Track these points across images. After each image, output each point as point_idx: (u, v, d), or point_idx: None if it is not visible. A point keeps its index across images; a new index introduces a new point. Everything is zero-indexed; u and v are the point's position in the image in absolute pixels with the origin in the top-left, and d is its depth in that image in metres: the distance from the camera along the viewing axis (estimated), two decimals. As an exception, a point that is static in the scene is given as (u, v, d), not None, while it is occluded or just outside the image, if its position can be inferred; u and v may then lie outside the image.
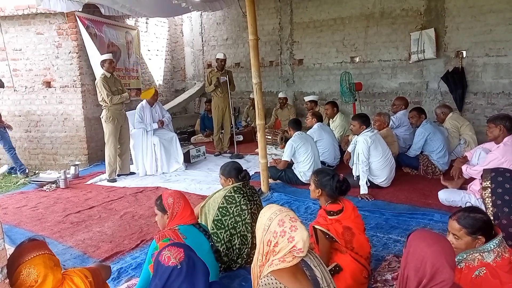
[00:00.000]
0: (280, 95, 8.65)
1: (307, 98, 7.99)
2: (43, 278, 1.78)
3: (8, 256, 1.78)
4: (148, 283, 2.51)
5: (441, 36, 7.43)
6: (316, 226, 2.77)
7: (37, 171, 6.96)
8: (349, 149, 5.75)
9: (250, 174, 5.79)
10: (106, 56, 6.10)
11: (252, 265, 2.16)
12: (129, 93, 6.19)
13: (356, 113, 7.14)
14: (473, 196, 4.01)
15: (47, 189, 5.71)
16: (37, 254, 1.83)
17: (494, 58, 7.01)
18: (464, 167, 4.40)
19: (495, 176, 3.37)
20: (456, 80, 7.29)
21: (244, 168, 3.52)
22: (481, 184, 3.49)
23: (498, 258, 2.05)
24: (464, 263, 2.11)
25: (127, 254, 3.62)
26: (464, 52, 7.30)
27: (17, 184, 6.19)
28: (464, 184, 4.61)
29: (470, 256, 2.11)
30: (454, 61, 7.40)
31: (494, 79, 7.06)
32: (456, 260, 2.13)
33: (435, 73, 7.61)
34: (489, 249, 2.08)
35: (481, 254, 2.08)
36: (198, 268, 1.87)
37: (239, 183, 3.37)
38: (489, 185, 3.33)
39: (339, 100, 8.10)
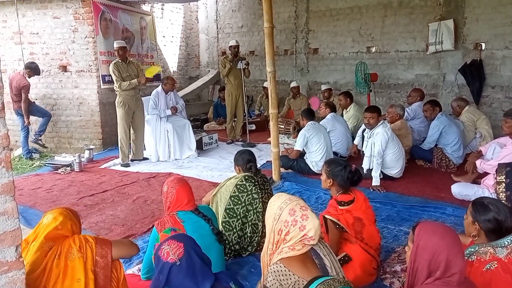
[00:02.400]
0: (293, 84, 8.59)
1: (323, 87, 7.98)
2: (54, 220, 2.10)
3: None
4: (151, 265, 2.56)
5: (460, 27, 7.28)
6: (327, 216, 2.78)
7: (52, 154, 7.07)
8: (356, 141, 5.71)
9: (262, 163, 5.88)
10: (119, 44, 6.12)
11: (262, 253, 2.18)
12: (141, 79, 6.10)
13: (370, 104, 7.07)
14: (486, 191, 3.97)
15: (62, 172, 5.80)
16: (62, 208, 2.22)
17: (514, 51, 6.85)
18: (478, 162, 4.35)
19: (510, 170, 3.33)
20: (474, 73, 7.15)
21: (254, 159, 3.51)
22: (495, 178, 3.45)
23: (511, 255, 2.03)
24: (475, 256, 2.09)
25: (139, 237, 3.68)
26: (483, 44, 7.14)
27: (33, 166, 6.30)
28: (477, 178, 4.56)
29: (482, 249, 2.09)
30: (472, 53, 7.25)
31: (513, 72, 6.91)
32: (467, 252, 2.12)
33: (452, 65, 7.48)
34: (503, 245, 2.06)
35: (494, 248, 2.06)
36: (197, 264, 1.83)
37: (250, 172, 3.38)
38: (504, 180, 3.29)
39: (353, 90, 8.02)
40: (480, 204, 2.22)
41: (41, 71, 6.87)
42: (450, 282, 1.65)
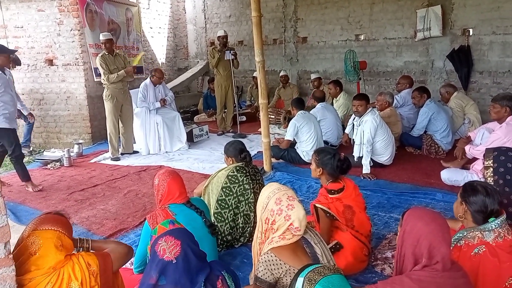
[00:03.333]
0: (281, 73, 8.57)
1: (313, 76, 7.99)
2: (42, 251, 1.78)
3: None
4: (143, 259, 2.56)
5: (447, 13, 7.29)
6: (317, 205, 2.80)
7: (41, 150, 6.99)
8: (347, 130, 5.73)
9: (253, 154, 5.88)
10: (105, 36, 6.04)
11: (253, 243, 2.19)
12: (128, 69, 6.03)
13: (360, 92, 7.08)
14: (475, 176, 4.01)
15: (51, 167, 5.75)
16: (51, 228, 1.84)
17: (501, 36, 6.89)
18: (467, 147, 4.39)
19: (498, 155, 3.35)
20: (462, 59, 7.19)
21: (246, 149, 3.51)
22: (483, 163, 3.48)
23: (499, 238, 2.05)
24: (463, 241, 2.12)
25: (130, 231, 3.68)
26: (471, 30, 7.17)
27: (22, 162, 6.23)
28: (466, 164, 4.61)
29: (471, 234, 2.12)
30: (460, 39, 7.28)
31: (500, 57, 6.95)
32: (456, 237, 2.14)
33: (440, 52, 7.51)
34: (490, 228, 2.08)
35: (482, 232, 2.09)
36: (193, 261, 1.80)
37: (241, 163, 3.38)
38: (491, 165, 3.32)
39: (343, 79, 8.03)
40: (469, 186, 2.25)
41: (27, 65, 6.76)
42: (436, 269, 1.67)
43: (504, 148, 3.50)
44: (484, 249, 2.02)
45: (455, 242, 2.13)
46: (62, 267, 1.82)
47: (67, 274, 1.81)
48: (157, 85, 6.49)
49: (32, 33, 6.96)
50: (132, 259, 2.77)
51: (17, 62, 6.57)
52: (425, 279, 1.66)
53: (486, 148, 3.64)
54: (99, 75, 6.78)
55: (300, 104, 5.59)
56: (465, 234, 2.13)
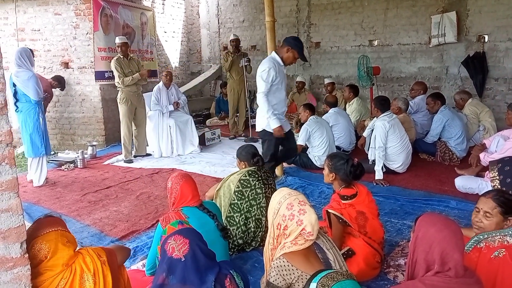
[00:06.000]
0: (298, 79, 8.56)
1: (326, 81, 7.99)
2: (52, 254, 1.80)
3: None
4: (155, 264, 2.57)
5: (462, 19, 7.23)
6: (329, 210, 2.78)
7: (55, 151, 7.08)
8: (365, 134, 5.69)
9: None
10: (121, 39, 6.11)
11: (264, 248, 2.18)
12: (143, 73, 6.12)
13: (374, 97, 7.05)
14: (490, 184, 3.96)
15: (65, 168, 5.82)
16: (51, 230, 1.85)
17: (517, 43, 6.81)
18: (482, 155, 4.34)
19: (502, 166, 3.31)
20: (477, 65, 7.12)
21: (259, 153, 3.51)
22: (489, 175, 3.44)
23: None
24: (484, 243, 2.08)
25: (143, 233, 3.69)
26: (486, 37, 7.10)
27: (37, 163, 6.31)
28: (481, 171, 4.55)
29: (491, 237, 2.08)
30: (475, 45, 7.21)
31: (516, 64, 6.87)
32: (476, 239, 2.10)
33: (455, 58, 7.44)
34: None
35: (503, 237, 2.05)
36: (202, 260, 1.81)
37: (254, 167, 3.38)
38: (497, 177, 3.27)
39: (356, 84, 7.99)
40: (505, 199, 2.16)
41: (43, 67, 6.87)
42: (449, 275, 1.64)
43: (507, 158, 3.44)
44: (504, 253, 1.98)
45: (475, 244, 2.10)
46: (73, 262, 1.86)
47: (79, 267, 1.85)
48: (170, 88, 6.55)
49: (49, 36, 7.07)
50: (144, 261, 2.80)
51: (61, 86, 6.73)
52: (438, 284, 1.64)
53: (490, 161, 3.59)
54: (108, 78, 6.94)
55: (310, 109, 5.57)
56: (485, 236, 2.10)
